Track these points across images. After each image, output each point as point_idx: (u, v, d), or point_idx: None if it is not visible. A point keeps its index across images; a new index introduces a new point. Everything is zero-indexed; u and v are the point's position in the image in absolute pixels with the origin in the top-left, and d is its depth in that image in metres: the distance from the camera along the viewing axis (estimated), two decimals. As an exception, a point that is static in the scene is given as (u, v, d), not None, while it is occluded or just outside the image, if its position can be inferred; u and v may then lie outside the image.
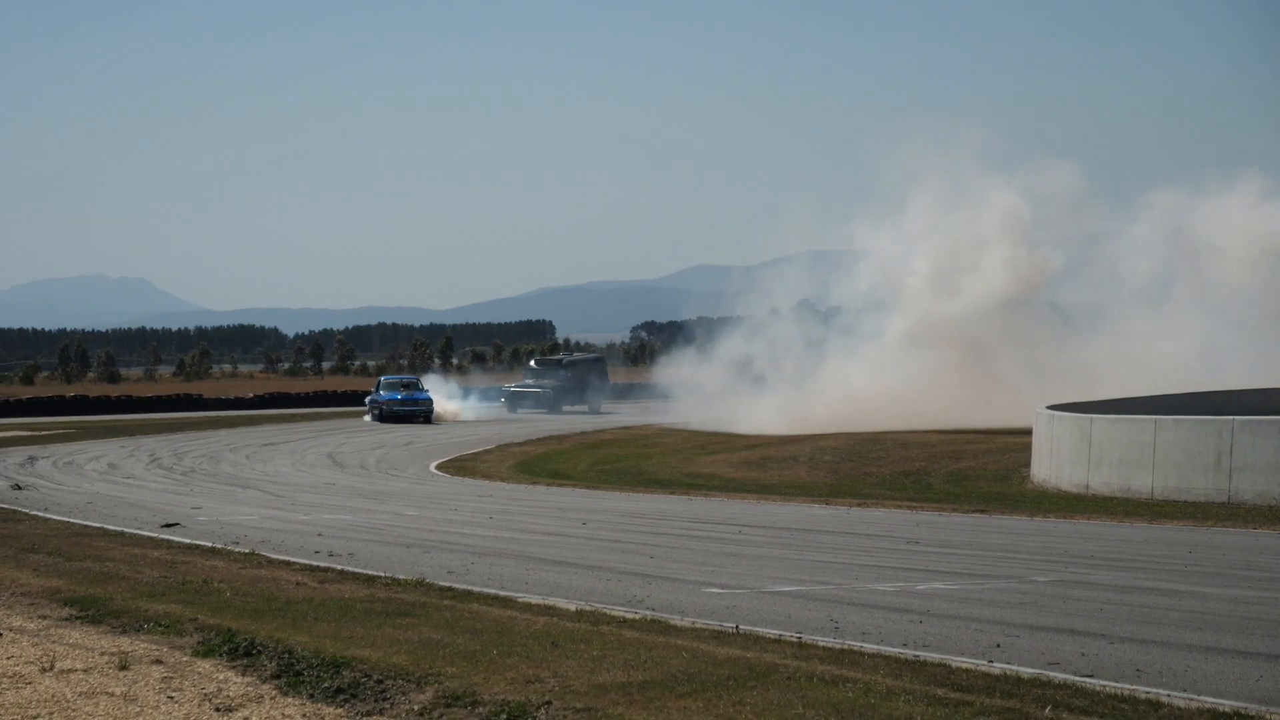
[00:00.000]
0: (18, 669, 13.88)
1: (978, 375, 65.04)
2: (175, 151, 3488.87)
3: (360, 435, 65.33)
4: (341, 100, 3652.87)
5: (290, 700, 12.46)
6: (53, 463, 48.87)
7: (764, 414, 65.21)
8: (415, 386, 79.83)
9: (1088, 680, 12.56)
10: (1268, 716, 11.47)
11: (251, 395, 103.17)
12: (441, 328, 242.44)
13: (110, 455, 52.45)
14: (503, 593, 18.14)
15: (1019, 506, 31.82)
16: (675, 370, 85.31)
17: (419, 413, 76.47)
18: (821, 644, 14.28)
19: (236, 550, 23.31)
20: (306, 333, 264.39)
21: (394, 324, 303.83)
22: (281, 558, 22.25)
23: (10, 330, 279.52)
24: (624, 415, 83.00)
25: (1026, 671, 12.88)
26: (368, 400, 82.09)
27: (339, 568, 20.90)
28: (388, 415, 75.94)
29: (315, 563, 21.53)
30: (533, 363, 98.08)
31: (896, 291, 71.14)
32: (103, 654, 14.47)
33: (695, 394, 76.73)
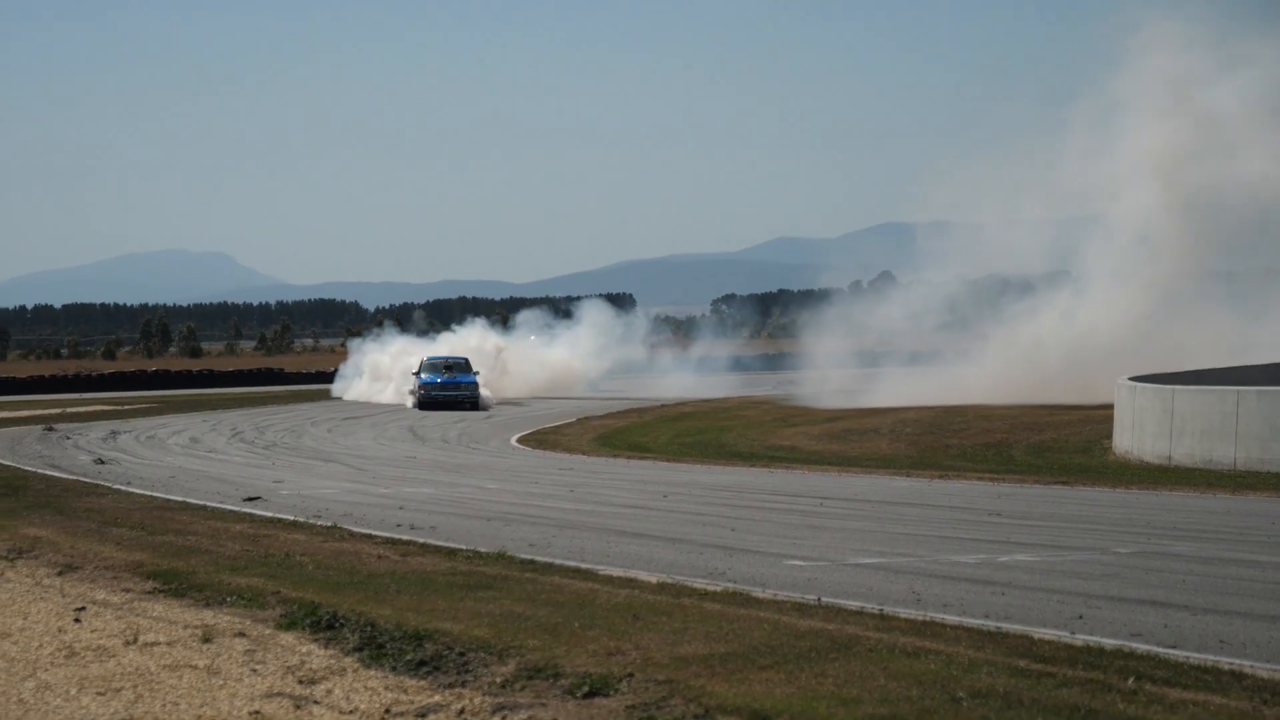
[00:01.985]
0: (102, 642, 13.99)
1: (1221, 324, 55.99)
2: (257, 125, 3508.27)
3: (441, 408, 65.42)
4: (424, 73, 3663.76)
5: (373, 673, 12.48)
6: (135, 437, 49.32)
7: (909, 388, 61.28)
8: (462, 368, 68.83)
9: (1171, 651, 12.45)
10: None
11: (332, 369, 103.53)
12: (522, 301, 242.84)
13: (192, 429, 52.91)
14: (584, 565, 18.13)
15: (1101, 478, 31.57)
16: (817, 342, 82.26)
17: (461, 398, 66.07)
18: (903, 616, 14.20)
19: (318, 524, 23.40)
20: (387, 306, 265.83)
21: (474, 297, 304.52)
22: (363, 531, 22.32)
23: (93, 305, 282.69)
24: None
25: (1109, 643, 12.77)
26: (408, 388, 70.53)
27: (420, 541, 20.89)
28: (426, 402, 65.59)
29: (397, 536, 21.55)
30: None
31: (1109, 221, 62.68)
32: (186, 627, 14.55)
33: (836, 368, 73.92)
